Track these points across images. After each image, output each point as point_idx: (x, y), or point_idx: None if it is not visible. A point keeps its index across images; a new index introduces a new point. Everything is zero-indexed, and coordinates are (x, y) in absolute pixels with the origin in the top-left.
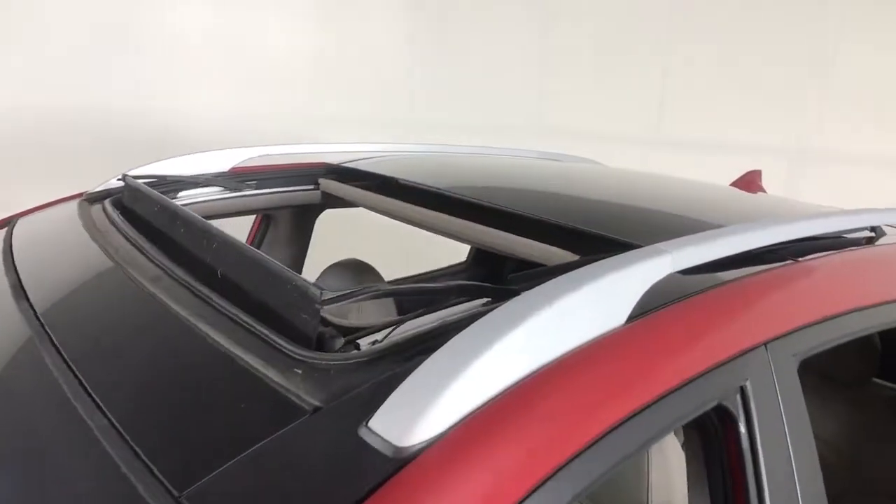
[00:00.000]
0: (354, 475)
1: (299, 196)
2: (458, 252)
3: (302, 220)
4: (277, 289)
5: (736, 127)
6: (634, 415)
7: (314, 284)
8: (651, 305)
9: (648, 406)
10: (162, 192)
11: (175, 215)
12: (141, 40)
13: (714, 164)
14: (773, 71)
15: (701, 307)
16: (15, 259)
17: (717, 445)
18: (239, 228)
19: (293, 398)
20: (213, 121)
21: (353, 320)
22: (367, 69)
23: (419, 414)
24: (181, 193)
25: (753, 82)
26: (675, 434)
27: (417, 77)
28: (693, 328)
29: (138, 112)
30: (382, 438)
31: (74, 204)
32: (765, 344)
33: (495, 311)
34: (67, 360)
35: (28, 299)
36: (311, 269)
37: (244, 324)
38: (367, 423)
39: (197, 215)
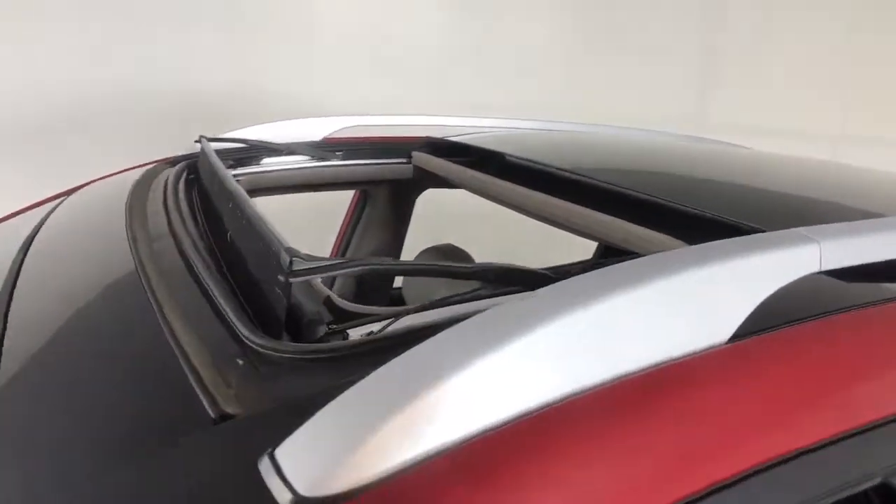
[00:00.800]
0: None
1: (390, 170)
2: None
3: (399, 199)
4: (260, 256)
5: None
6: (729, 485)
7: (291, 250)
8: (776, 319)
9: (754, 473)
10: (242, 159)
11: (214, 176)
12: (281, 28)
13: None
14: None
15: (860, 330)
16: (51, 216)
17: None
18: (335, 205)
19: (205, 399)
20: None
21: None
22: (523, 58)
23: (343, 451)
24: (265, 161)
25: None
26: None
27: (575, 64)
28: (845, 361)
29: (279, 98)
30: (285, 479)
31: (150, 167)
32: None
33: (508, 304)
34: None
35: (26, 252)
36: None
37: (214, 298)
38: (273, 451)
39: (231, 178)
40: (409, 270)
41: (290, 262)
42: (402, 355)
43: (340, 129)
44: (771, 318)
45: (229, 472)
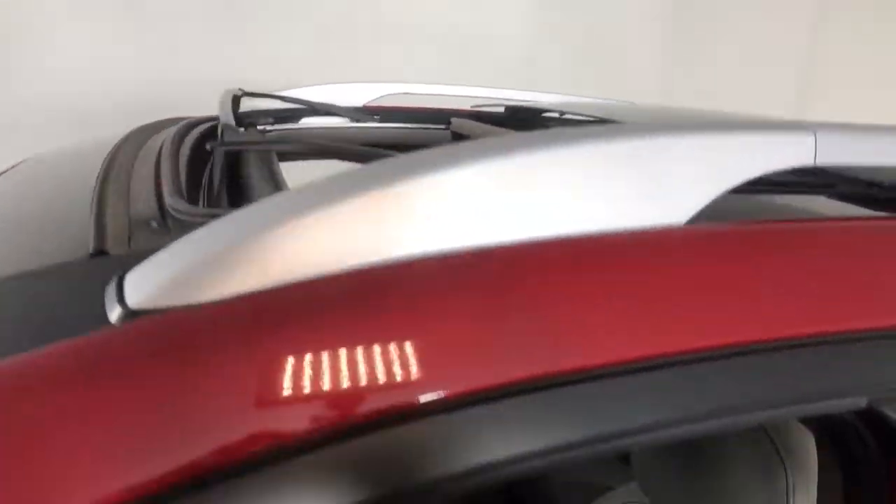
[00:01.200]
0: (55, 333)
1: (429, 136)
2: None
3: None
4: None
5: None
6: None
7: (227, 125)
8: (753, 210)
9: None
10: (282, 118)
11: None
12: (362, 29)
13: None
14: None
15: (846, 239)
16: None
17: (866, 472)
18: None
19: (93, 238)
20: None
21: None
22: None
23: (175, 273)
24: (304, 120)
25: None
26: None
27: (668, 65)
28: (822, 266)
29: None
30: (121, 297)
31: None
32: None
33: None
34: None
35: None
36: None
37: (159, 177)
38: (122, 276)
39: (232, 120)
40: (340, 153)
41: (222, 134)
42: (262, 201)
43: (382, 97)
44: (748, 207)
45: (82, 297)
